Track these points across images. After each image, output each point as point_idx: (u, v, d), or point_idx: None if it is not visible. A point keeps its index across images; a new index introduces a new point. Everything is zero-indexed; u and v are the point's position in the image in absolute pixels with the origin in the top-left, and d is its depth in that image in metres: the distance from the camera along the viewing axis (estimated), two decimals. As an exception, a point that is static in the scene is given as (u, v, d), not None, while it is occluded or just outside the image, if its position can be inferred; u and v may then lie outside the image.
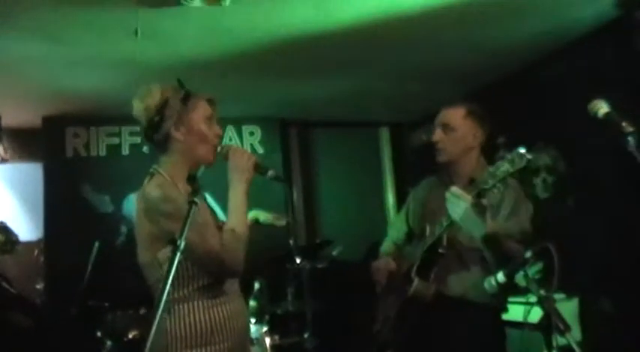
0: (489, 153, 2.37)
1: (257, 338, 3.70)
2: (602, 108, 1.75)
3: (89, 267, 3.92)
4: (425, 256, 2.26)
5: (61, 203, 4.85)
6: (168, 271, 1.42)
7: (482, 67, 4.29)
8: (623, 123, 1.66)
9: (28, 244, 4.70)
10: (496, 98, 4.43)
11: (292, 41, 3.58)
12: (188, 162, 1.87)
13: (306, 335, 3.84)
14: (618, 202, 3.44)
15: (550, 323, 1.57)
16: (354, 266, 4.30)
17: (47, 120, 4.95)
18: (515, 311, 2.27)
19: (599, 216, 3.57)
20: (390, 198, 6.08)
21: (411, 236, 2.54)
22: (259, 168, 1.92)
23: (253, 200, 2.00)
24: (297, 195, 5.75)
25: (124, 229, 4.84)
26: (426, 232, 2.30)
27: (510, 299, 2.32)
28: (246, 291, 2.56)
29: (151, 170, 1.87)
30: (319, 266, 4.11)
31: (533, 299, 1.63)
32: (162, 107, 1.82)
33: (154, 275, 1.78)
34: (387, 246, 2.64)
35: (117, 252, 4.55)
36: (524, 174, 4.16)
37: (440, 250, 2.23)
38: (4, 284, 3.99)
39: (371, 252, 4.51)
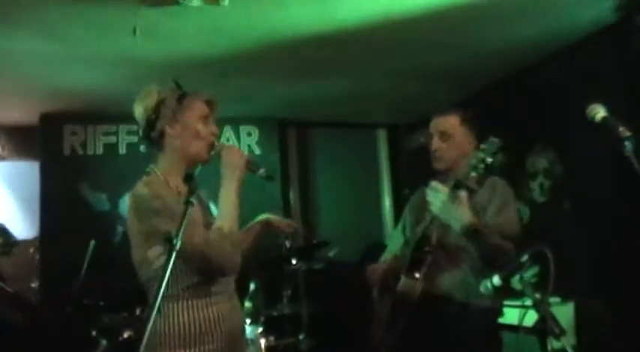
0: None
1: (252, 340, 3.70)
2: (599, 112, 1.75)
3: (85, 266, 3.90)
4: (413, 255, 2.26)
5: (57, 201, 4.83)
6: (164, 270, 1.42)
7: (482, 68, 4.29)
8: (620, 128, 1.66)
9: (24, 242, 4.68)
10: (495, 100, 4.44)
11: (291, 41, 3.58)
12: (183, 159, 1.88)
13: (301, 337, 3.85)
14: (614, 206, 3.44)
15: (545, 327, 1.57)
16: (350, 268, 4.30)
17: (45, 118, 4.93)
18: (510, 315, 2.27)
19: (596, 220, 3.57)
20: (387, 200, 6.07)
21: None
22: (251, 166, 1.93)
23: (250, 201, 2.00)
24: (294, 196, 5.75)
25: (120, 228, 4.82)
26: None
27: (506, 302, 2.32)
28: (242, 292, 2.55)
29: (148, 169, 1.88)
30: (315, 267, 4.11)
31: (528, 302, 1.63)
32: (158, 106, 1.84)
33: (145, 274, 1.78)
34: (386, 257, 2.63)
35: (113, 251, 4.51)
36: (522, 178, 4.17)
37: (426, 248, 2.23)
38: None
39: (367, 253, 4.52)
